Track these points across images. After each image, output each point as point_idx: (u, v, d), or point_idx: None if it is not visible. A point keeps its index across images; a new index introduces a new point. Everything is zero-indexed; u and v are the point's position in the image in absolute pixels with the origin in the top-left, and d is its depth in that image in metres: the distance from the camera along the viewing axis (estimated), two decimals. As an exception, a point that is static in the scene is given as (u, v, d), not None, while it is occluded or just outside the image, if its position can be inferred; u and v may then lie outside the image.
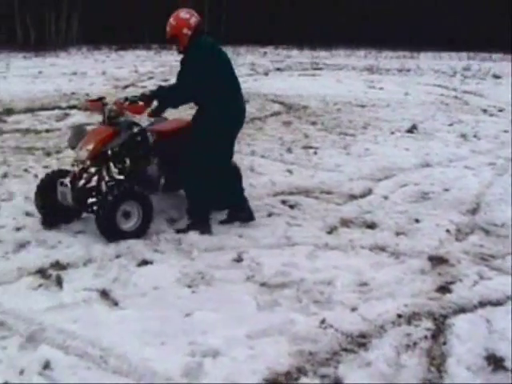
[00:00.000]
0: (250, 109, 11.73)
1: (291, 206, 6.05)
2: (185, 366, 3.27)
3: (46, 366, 3.24)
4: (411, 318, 3.85)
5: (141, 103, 5.21)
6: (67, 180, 5.14)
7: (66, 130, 9.09)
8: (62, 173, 5.36)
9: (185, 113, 7.66)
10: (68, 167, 5.79)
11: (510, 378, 3.27)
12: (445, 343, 3.57)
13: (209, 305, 3.97)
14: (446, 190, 6.75)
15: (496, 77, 19.72)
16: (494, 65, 24.23)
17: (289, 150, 8.50)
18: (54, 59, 23.68)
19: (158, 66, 20.88)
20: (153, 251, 4.84)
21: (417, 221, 5.72)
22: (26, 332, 3.57)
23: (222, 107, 5.20)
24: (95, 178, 5.34)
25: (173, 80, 5.37)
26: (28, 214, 5.57)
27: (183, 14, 5.27)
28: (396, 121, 11.19)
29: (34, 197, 5.42)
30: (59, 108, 11.83)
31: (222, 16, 35.12)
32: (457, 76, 20.22)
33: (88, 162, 5.22)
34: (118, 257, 4.71)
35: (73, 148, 5.35)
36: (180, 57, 5.32)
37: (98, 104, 5.43)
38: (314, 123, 10.81)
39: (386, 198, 6.42)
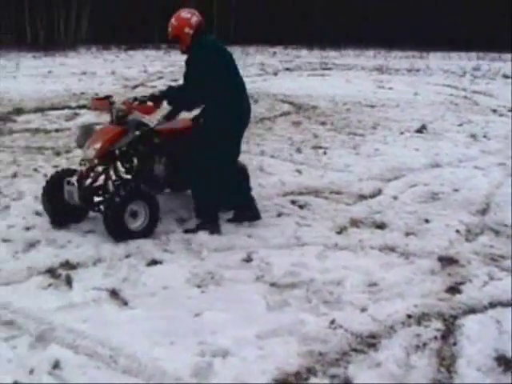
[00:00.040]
0: (260, 109, 11.77)
1: (301, 206, 6.04)
2: (194, 365, 3.26)
3: (56, 365, 3.24)
4: (421, 319, 3.83)
5: (150, 103, 5.22)
6: (74, 179, 5.13)
7: (75, 130, 9.09)
8: (69, 172, 5.36)
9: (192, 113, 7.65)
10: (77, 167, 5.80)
11: (520, 379, 3.26)
12: (455, 344, 3.55)
13: (218, 305, 3.96)
14: (456, 190, 6.72)
15: (506, 77, 19.66)
16: (504, 65, 24.17)
17: (298, 150, 8.49)
18: (64, 59, 23.81)
19: (168, 66, 20.94)
20: (162, 251, 4.84)
21: (426, 221, 5.69)
22: (36, 331, 3.57)
23: (227, 107, 5.19)
24: (102, 177, 5.34)
25: (182, 80, 5.36)
26: (38, 213, 5.57)
27: (184, 13, 5.27)
28: (405, 121, 11.17)
29: (40, 197, 5.43)
30: (69, 108, 11.89)
31: (231, 16, 35.20)
32: (466, 76, 20.18)
33: (95, 161, 5.20)
34: (127, 256, 4.71)
35: (80, 147, 5.36)
36: (185, 57, 5.31)
37: (104, 102, 5.42)
38: (323, 123, 10.81)
39: (395, 198, 6.40)
